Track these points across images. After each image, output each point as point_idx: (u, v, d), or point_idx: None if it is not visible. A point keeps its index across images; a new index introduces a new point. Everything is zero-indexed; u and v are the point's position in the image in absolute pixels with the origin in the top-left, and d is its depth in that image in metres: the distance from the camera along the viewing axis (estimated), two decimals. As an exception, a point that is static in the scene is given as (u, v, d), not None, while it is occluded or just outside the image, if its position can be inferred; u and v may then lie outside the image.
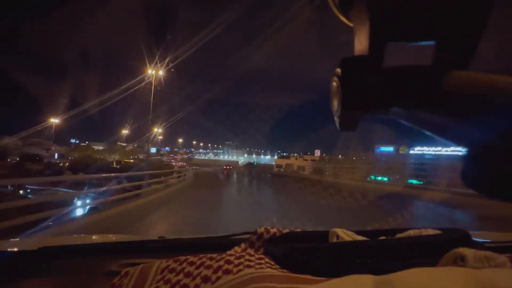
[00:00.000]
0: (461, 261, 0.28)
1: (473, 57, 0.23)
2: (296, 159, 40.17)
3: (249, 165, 48.03)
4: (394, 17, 0.23)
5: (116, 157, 35.18)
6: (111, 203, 5.71)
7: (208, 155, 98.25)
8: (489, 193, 0.20)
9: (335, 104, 0.25)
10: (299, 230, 0.48)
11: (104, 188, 6.16)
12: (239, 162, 76.65)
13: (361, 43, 0.24)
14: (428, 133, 0.23)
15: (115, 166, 26.20)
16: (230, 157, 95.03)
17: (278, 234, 0.45)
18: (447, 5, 0.22)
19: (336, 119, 0.25)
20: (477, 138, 0.20)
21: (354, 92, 0.23)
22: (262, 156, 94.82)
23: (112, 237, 0.91)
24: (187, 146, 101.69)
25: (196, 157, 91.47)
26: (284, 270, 0.32)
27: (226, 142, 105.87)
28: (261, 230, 0.46)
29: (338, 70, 0.24)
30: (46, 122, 42.06)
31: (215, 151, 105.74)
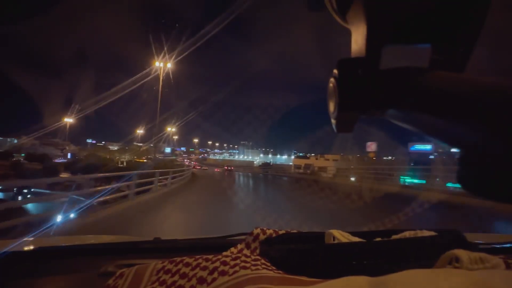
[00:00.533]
0: (456, 262, 0.28)
1: (469, 59, 0.23)
2: (317, 158, 36.31)
3: (265, 165, 45.36)
4: (391, 19, 0.23)
5: (126, 157, 33.96)
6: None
7: (223, 155, 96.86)
8: (483, 194, 0.20)
9: (332, 105, 0.25)
10: (295, 231, 0.48)
11: (69, 193, 5.25)
12: (254, 163, 74.36)
13: (358, 45, 0.24)
14: (424, 134, 0.23)
15: (121, 165, 24.63)
16: (246, 157, 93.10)
17: (274, 235, 0.45)
18: (443, 8, 0.22)
19: (333, 121, 0.25)
20: (472, 140, 0.20)
21: (350, 93, 0.23)
22: (278, 156, 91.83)
23: (107, 238, 0.91)
24: (203, 146, 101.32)
25: (210, 157, 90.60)
26: (280, 271, 0.32)
27: (242, 142, 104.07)
28: (257, 231, 0.46)
29: (335, 71, 0.24)
30: (60, 122, 41.85)
31: (230, 151, 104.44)
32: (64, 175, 17.06)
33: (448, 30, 0.23)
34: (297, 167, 34.14)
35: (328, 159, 33.66)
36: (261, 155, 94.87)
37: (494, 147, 0.19)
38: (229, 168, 38.55)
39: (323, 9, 0.27)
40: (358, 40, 0.24)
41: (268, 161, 66.50)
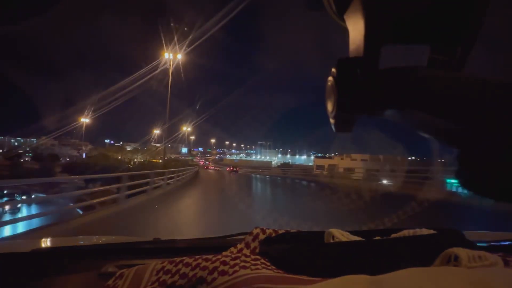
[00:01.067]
0: (455, 260, 0.28)
1: (467, 58, 0.24)
2: (342, 158, 32.34)
3: (285, 166, 42.09)
4: (389, 19, 0.23)
5: (139, 157, 32.68)
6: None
7: (240, 156, 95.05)
8: (482, 192, 0.20)
9: (330, 105, 0.25)
10: (294, 230, 0.48)
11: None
12: (272, 163, 71.63)
13: (356, 45, 0.24)
14: (424, 133, 0.23)
15: (130, 166, 23.04)
16: (263, 158, 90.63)
17: (273, 234, 0.45)
18: (442, 7, 0.22)
19: (331, 120, 0.25)
20: (470, 138, 0.20)
21: (349, 93, 0.23)
22: (297, 157, 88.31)
23: (106, 239, 0.90)
24: (220, 147, 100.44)
25: (227, 157, 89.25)
26: (280, 271, 0.32)
27: (259, 142, 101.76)
28: (256, 230, 0.46)
29: (333, 70, 0.24)
30: (77, 122, 41.70)
31: (247, 151, 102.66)
32: (59, 176, 15.53)
33: (447, 29, 0.23)
34: (320, 167, 30.78)
35: (355, 159, 29.73)
36: (279, 155, 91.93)
37: (493, 145, 0.19)
38: (234, 169, 34.25)
39: (322, 8, 0.27)
40: (356, 39, 0.24)
41: (287, 161, 63.15)
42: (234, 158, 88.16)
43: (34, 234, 3.19)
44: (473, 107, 0.19)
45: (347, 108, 0.24)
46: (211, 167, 46.68)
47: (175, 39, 31.09)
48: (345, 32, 0.25)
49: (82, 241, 0.87)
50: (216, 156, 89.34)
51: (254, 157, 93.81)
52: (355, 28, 0.24)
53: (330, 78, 0.24)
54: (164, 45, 30.94)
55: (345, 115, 0.24)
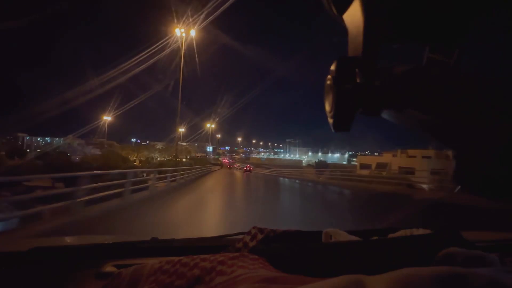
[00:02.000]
0: (452, 260, 0.28)
1: (465, 58, 0.24)
2: (394, 155, 25.99)
3: (320, 165, 36.29)
4: (388, 19, 0.23)
5: (156, 155, 30.08)
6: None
7: (267, 154, 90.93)
8: (478, 191, 0.20)
9: (328, 104, 0.25)
10: (292, 230, 0.48)
11: None
12: (303, 162, 66.38)
13: (354, 44, 0.24)
14: (420, 133, 0.23)
15: (139, 164, 20.02)
16: (292, 156, 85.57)
17: (272, 234, 0.46)
18: (439, 8, 0.22)
19: (329, 120, 0.25)
20: (468, 138, 0.20)
21: (347, 92, 0.23)
22: (329, 155, 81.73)
23: (104, 238, 0.92)
24: (247, 145, 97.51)
25: (254, 155, 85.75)
26: (278, 270, 0.32)
27: (287, 140, 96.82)
28: (254, 230, 0.46)
29: (332, 69, 0.24)
30: (99, 121, 40.66)
31: (275, 149, 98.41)
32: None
33: (445, 29, 0.23)
34: (365, 166, 24.98)
35: (414, 156, 23.27)
36: (310, 153, 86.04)
37: (491, 145, 0.18)
38: (248, 168, 32.11)
39: (322, 8, 0.27)
40: (355, 39, 0.24)
41: (322, 160, 57.29)
42: (261, 156, 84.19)
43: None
44: (471, 106, 0.19)
45: (345, 107, 0.24)
46: (235, 166, 43.15)
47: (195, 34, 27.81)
48: (345, 31, 0.25)
49: (79, 240, 0.86)
50: (242, 154, 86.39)
51: (282, 155, 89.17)
52: (354, 28, 0.24)
53: (329, 77, 0.24)
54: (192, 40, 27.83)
55: (343, 115, 0.24)
